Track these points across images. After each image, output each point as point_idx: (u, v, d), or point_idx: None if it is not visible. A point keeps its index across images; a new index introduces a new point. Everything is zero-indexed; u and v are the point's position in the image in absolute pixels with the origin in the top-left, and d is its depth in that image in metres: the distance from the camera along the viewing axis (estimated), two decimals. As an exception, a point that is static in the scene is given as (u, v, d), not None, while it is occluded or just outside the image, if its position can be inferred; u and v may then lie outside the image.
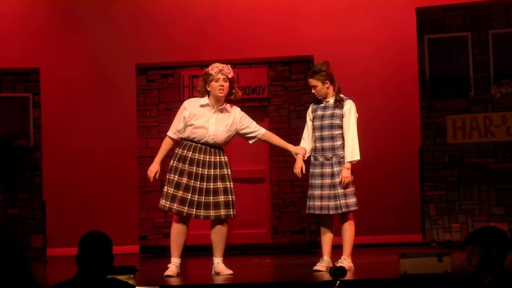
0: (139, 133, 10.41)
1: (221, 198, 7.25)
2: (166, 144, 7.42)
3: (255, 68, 10.33)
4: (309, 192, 7.45)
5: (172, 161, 7.33)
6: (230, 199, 7.29)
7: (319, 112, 7.44)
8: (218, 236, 7.37)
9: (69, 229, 10.18)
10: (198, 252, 9.62)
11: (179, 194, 7.22)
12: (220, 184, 7.27)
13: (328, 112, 7.40)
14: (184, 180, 7.23)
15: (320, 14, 11.18)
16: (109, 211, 10.85)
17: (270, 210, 10.23)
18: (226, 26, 11.22)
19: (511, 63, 9.55)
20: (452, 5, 9.88)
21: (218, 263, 7.37)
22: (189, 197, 7.21)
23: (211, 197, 7.24)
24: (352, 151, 7.29)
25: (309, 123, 7.52)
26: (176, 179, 7.25)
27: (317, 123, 7.41)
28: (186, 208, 7.20)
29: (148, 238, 10.29)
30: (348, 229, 7.39)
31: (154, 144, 10.25)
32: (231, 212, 7.30)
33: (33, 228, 10.24)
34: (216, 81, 7.33)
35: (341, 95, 7.45)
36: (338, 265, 7.13)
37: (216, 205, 7.23)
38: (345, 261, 7.32)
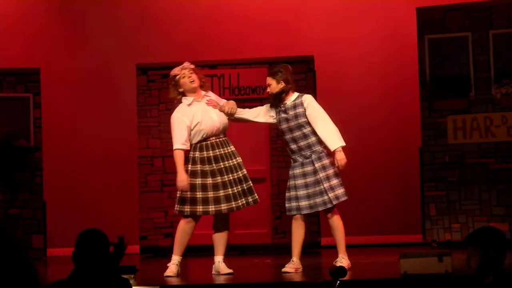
0: (139, 133, 10.41)
1: (246, 185, 7.43)
2: (179, 155, 7.35)
3: (256, 68, 10.33)
4: (290, 193, 7.40)
5: (192, 166, 7.32)
6: (251, 184, 7.49)
7: (283, 115, 7.45)
8: (221, 234, 7.41)
9: (69, 229, 10.14)
10: (198, 252, 9.62)
11: (210, 195, 7.28)
12: (240, 173, 7.44)
13: (291, 113, 7.40)
14: (213, 179, 7.29)
15: (320, 14, 11.18)
16: (110, 211, 10.85)
17: (270, 210, 10.22)
18: (227, 26, 11.22)
19: (512, 63, 9.55)
20: (452, 5, 9.88)
21: (219, 262, 7.38)
22: (230, 192, 7.33)
23: (243, 185, 7.41)
24: (333, 138, 7.26)
25: (262, 107, 7.54)
26: (207, 181, 7.29)
27: (284, 126, 7.43)
28: (223, 205, 7.29)
29: (148, 238, 10.29)
30: (339, 226, 7.35)
31: (154, 144, 10.25)
32: (257, 196, 7.52)
33: (34, 228, 10.24)
34: (184, 77, 7.44)
35: (294, 94, 7.46)
36: (337, 265, 7.12)
37: (250, 191, 7.43)
38: (344, 260, 7.30)
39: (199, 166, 7.30)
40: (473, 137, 9.63)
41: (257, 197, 7.49)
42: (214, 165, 7.32)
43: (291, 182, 7.39)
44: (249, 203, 7.44)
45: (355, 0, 11.20)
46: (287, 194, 7.44)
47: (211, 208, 7.27)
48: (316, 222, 9.80)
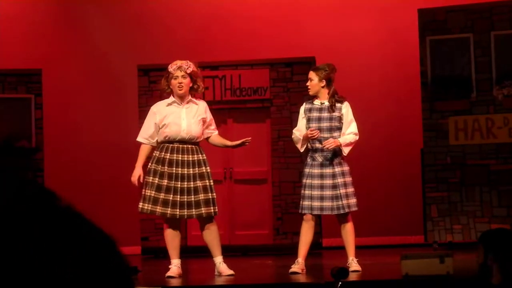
0: (141, 134, 10.40)
1: (201, 196, 7.29)
2: (142, 150, 7.47)
3: (257, 69, 10.33)
4: (304, 192, 7.41)
5: (150, 164, 7.40)
6: (210, 197, 7.32)
7: (315, 114, 7.44)
8: (210, 235, 7.39)
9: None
10: (198, 253, 9.62)
11: (161, 196, 7.26)
12: (199, 183, 7.31)
13: (325, 114, 7.40)
14: (165, 182, 7.28)
15: (322, 16, 11.18)
16: (111, 212, 10.84)
17: (271, 211, 10.22)
18: (228, 27, 11.22)
19: (513, 65, 9.54)
20: (454, 7, 9.88)
21: (220, 263, 7.37)
22: (171, 198, 7.27)
23: (192, 196, 7.28)
24: (346, 141, 7.30)
25: (302, 121, 7.53)
26: (156, 181, 7.31)
27: (314, 125, 7.41)
28: (169, 209, 7.26)
29: (150, 239, 10.29)
30: (351, 230, 7.40)
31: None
32: (212, 210, 7.32)
33: (35, 229, 10.24)
34: (175, 79, 7.42)
35: (338, 97, 7.45)
36: (350, 267, 7.13)
37: (197, 204, 7.28)
38: (354, 262, 7.32)
39: (159, 166, 7.32)
40: (474, 138, 9.63)
41: (203, 211, 7.24)
42: (166, 167, 7.31)
43: (307, 181, 7.39)
44: (183, 216, 7.31)
45: (357, 2, 11.21)
46: (302, 192, 7.45)
47: (158, 209, 7.29)
48: (318, 223, 9.80)
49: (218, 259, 7.39)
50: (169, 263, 7.47)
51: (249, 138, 7.51)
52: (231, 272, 7.32)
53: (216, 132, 7.64)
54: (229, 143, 7.59)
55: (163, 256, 9.44)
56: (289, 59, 10.37)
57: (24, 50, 11.19)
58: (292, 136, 7.61)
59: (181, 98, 7.42)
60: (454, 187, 9.66)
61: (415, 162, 10.22)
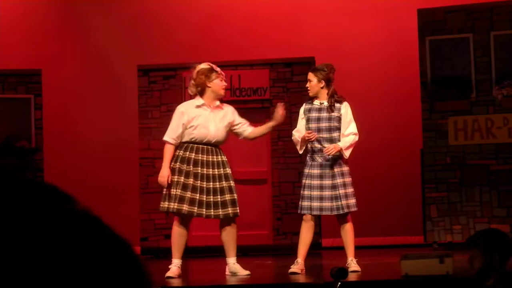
0: (140, 135, 10.42)
1: (227, 196, 7.31)
2: (169, 149, 7.38)
3: (257, 69, 10.34)
4: (304, 192, 7.42)
5: (173, 163, 7.33)
6: (235, 197, 7.35)
7: (314, 114, 7.44)
8: (229, 235, 7.40)
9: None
10: (200, 253, 9.63)
11: (188, 195, 7.23)
12: (224, 183, 7.32)
13: (324, 114, 7.41)
14: (191, 181, 7.25)
15: (321, 16, 11.18)
16: (111, 212, 10.79)
17: (271, 212, 10.22)
18: (228, 27, 11.23)
19: (513, 65, 9.55)
20: (453, 7, 9.88)
21: (234, 264, 7.38)
22: (197, 197, 7.24)
23: (219, 196, 7.29)
24: (347, 146, 7.31)
25: (301, 122, 7.54)
26: (182, 180, 7.27)
27: (313, 125, 7.41)
28: (196, 208, 7.23)
29: (149, 239, 10.29)
30: (350, 231, 7.40)
31: (155, 145, 10.24)
32: (237, 210, 7.36)
33: (35, 229, 10.24)
34: (221, 80, 7.39)
35: (337, 97, 7.45)
36: (349, 267, 7.14)
37: (224, 204, 7.28)
38: (354, 262, 7.32)
39: (184, 165, 7.30)
40: (474, 138, 9.63)
41: (230, 211, 7.28)
42: (191, 167, 7.30)
43: (307, 181, 7.40)
44: (210, 216, 7.31)
45: (356, 2, 11.21)
46: (301, 192, 7.45)
47: (185, 207, 7.27)
48: (317, 223, 9.80)
49: (232, 260, 7.40)
50: (169, 263, 7.46)
51: (282, 103, 7.52)
52: (247, 272, 7.34)
53: (250, 128, 7.55)
54: (270, 124, 7.53)
55: (163, 256, 9.45)
56: (289, 60, 10.37)
57: (24, 51, 11.19)
58: (292, 138, 7.62)
59: (214, 100, 7.37)
60: (453, 187, 9.67)
61: (415, 162, 10.22)
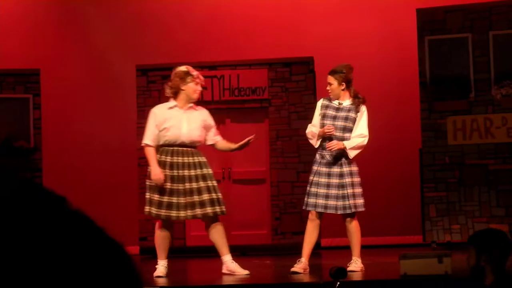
0: (139, 134, 10.37)
1: (205, 196, 7.31)
2: (151, 152, 7.45)
3: (255, 69, 10.33)
4: (310, 189, 7.42)
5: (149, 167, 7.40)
6: (215, 196, 7.33)
7: (331, 112, 7.47)
8: (216, 234, 7.40)
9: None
10: (199, 253, 9.62)
11: (165, 200, 7.29)
12: (202, 183, 7.34)
13: (342, 114, 7.43)
14: (168, 185, 7.29)
15: (320, 15, 11.18)
16: (109, 212, 10.83)
17: (270, 211, 10.22)
18: (226, 27, 11.22)
19: (512, 65, 9.55)
20: (452, 6, 9.88)
21: (231, 262, 7.37)
22: (174, 201, 7.30)
23: (196, 197, 7.30)
24: (353, 146, 7.32)
25: (318, 117, 7.54)
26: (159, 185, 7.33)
27: (328, 122, 7.43)
28: (174, 211, 7.28)
29: (148, 239, 10.27)
30: (356, 230, 7.41)
31: (154, 145, 10.25)
32: (218, 209, 7.32)
33: (33, 229, 10.24)
34: (195, 84, 7.41)
35: (360, 97, 7.49)
36: (350, 267, 7.14)
37: (202, 204, 7.29)
38: (358, 262, 7.32)
39: (160, 169, 7.35)
40: (473, 138, 9.63)
41: (208, 211, 7.28)
42: (168, 171, 7.33)
43: (314, 178, 7.40)
44: (188, 217, 7.37)
45: (355, 1, 11.21)
46: (307, 189, 7.45)
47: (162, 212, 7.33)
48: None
49: (227, 257, 7.39)
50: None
51: (253, 136, 7.51)
52: (247, 272, 7.32)
53: (220, 137, 7.63)
54: (234, 146, 7.59)
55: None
56: (288, 59, 10.37)
57: (23, 50, 11.19)
58: (307, 131, 7.59)
59: (187, 102, 7.40)
60: (452, 187, 9.67)
61: (414, 162, 10.22)
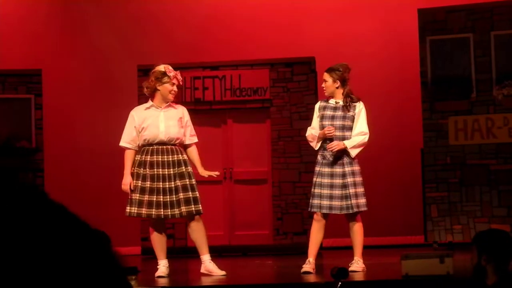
0: (141, 135, 10.40)
1: (181, 195, 7.34)
2: (128, 155, 7.54)
3: (257, 69, 10.33)
4: (314, 190, 7.43)
5: (132, 168, 7.44)
6: (191, 195, 7.35)
7: (329, 112, 7.47)
8: (195, 233, 7.44)
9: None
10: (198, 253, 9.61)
11: (145, 198, 7.34)
12: (178, 182, 7.36)
13: (339, 113, 7.44)
14: (148, 184, 7.35)
15: (322, 16, 11.18)
16: (111, 212, 10.84)
17: (271, 212, 10.22)
18: (228, 27, 11.22)
19: (513, 65, 9.55)
20: (454, 7, 9.88)
21: (209, 261, 7.39)
22: (154, 199, 7.37)
23: (174, 196, 7.35)
24: (354, 145, 7.34)
25: (316, 119, 7.55)
26: (139, 184, 7.38)
27: (327, 122, 7.44)
28: (154, 210, 7.33)
29: (149, 239, 10.28)
30: (359, 230, 7.42)
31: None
32: (193, 209, 7.32)
33: (35, 229, 10.24)
34: (172, 85, 7.44)
35: (352, 97, 7.49)
36: (352, 267, 7.15)
37: (187, 202, 7.33)
38: (359, 262, 7.33)
39: (141, 169, 7.40)
40: (474, 138, 9.63)
41: (183, 210, 7.32)
42: (148, 170, 7.37)
43: (317, 179, 7.42)
44: (168, 216, 7.41)
45: (357, 1, 11.20)
46: (312, 190, 7.46)
47: (144, 211, 7.37)
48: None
49: (206, 257, 7.42)
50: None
51: (217, 173, 7.59)
52: (223, 272, 7.32)
53: (195, 141, 7.60)
54: (199, 166, 7.54)
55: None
56: (289, 59, 10.37)
57: (25, 51, 11.19)
58: (307, 134, 7.61)
59: (162, 102, 7.45)
60: (454, 187, 9.66)
61: (415, 162, 10.22)
